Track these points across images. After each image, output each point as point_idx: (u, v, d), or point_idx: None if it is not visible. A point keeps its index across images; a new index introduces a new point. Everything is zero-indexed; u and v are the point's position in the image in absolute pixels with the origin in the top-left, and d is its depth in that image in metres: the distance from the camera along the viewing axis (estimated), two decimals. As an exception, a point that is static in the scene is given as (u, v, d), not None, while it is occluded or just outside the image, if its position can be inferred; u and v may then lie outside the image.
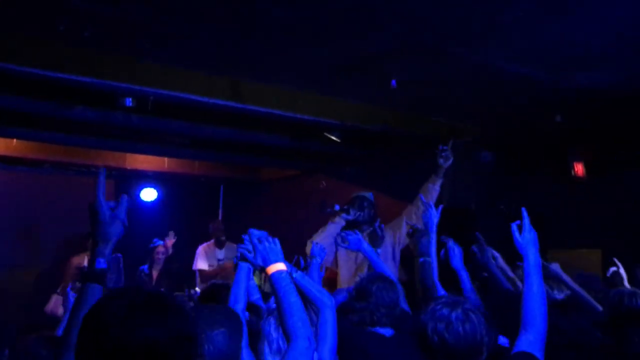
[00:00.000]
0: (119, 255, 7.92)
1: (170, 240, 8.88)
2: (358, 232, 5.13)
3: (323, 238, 6.04)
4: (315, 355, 2.92)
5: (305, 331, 2.85)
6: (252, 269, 3.68)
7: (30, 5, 4.34)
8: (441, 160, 6.09)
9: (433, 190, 6.15)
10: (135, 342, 1.67)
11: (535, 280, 2.87)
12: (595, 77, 5.60)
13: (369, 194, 6.43)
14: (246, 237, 3.44)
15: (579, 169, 7.81)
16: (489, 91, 6.18)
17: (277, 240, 3.35)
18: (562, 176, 7.80)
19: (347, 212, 6.16)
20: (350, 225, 6.10)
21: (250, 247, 3.38)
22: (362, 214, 6.24)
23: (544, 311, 2.85)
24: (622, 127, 6.84)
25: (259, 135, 8.19)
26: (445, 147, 6.12)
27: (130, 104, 6.12)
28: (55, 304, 7.10)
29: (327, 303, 3.35)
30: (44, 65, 5.27)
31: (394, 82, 5.62)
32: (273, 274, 3.14)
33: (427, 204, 5.06)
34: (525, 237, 3.00)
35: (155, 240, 8.49)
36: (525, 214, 3.10)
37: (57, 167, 10.13)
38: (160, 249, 8.37)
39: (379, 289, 4.15)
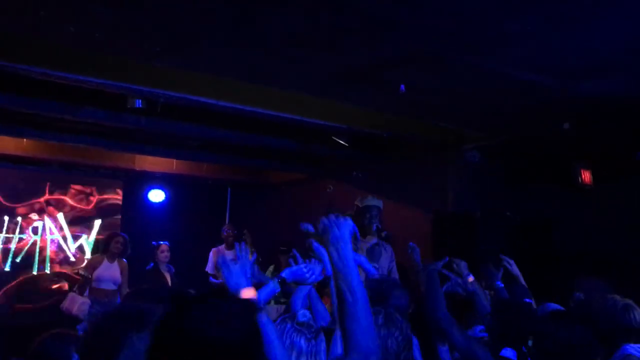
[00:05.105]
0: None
1: None
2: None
3: None
4: None
5: None
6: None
7: (43, 7, 4.37)
8: None
9: None
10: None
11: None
12: (603, 85, 5.60)
13: (379, 202, 6.13)
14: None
15: (586, 176, 7.80)
16: (497, 98, 6.17)
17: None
18: (568, 183, 7.78)
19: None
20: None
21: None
22: (371, 226, 5.97)
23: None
24: (628, 134, 6.82)
25: (267, 139, 8.23)
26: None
27: (140, 106, 6.14)
28: (72, 302, 6.94)
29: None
30: (54, 65, 5.31)
31: (402, 86, 5.62)
32: None
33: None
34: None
35: (153, 242, 8.44)
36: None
37: (65, 167, 10.18)
38: (164, 247, 8.34)
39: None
